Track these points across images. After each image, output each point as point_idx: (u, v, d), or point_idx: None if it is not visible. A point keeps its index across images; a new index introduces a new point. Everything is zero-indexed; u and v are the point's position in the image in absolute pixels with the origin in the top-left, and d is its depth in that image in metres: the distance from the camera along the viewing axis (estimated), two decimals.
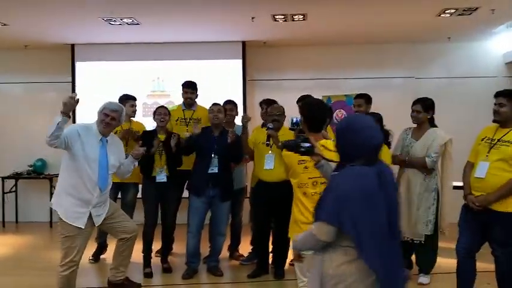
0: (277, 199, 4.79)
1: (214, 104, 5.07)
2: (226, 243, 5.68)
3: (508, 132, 3.81)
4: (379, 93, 7.28)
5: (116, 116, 4.06)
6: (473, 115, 6.94)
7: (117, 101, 5.09)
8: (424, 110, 4.64)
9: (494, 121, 3.95)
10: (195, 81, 5.78)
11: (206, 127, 5.12)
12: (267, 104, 5.38)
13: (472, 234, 3.89)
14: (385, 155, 4.49)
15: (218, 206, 4.98)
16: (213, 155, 4.87)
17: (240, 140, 5.00)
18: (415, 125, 4.79)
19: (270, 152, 4.84)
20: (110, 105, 4.09)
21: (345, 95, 7.43)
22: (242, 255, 5.74)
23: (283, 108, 4.98)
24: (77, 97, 3.76)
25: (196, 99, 5.75)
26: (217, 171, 4.87)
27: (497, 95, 3.90)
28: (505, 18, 6.34)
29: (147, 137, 5.00)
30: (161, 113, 5.11)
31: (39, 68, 8.00)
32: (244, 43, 7.54)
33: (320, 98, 7.17)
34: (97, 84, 7.58)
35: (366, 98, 5.52)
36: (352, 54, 7.79)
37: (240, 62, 7.57)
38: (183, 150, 5.06)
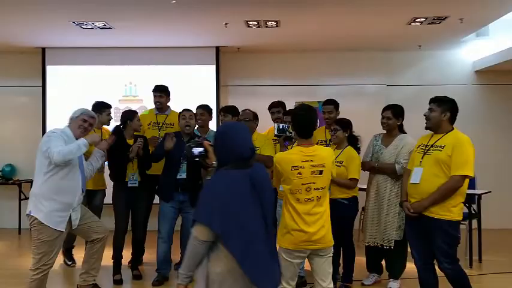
0: None
1: (186, 110, 5.03)
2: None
3: (440, 138, 3.86)
4: (351, 100, 7.39)
5: (93, 122, 4.17)
6: None
7: (92, 108, 5.10)
8: (394, 117, 4.68)
9: (426, 128, 4.00)
10: (166, 85, 5.74)
11: (175, 132, 5.06)
12: (225, 111, 5.35)
13: (421, 245, 3.90)
14: (354, 160, 4.56)
15: (188, 212, 4.92)
16: (181, 161, 4.83)
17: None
18: (385, 132, 4.83)
19: None
20: (88, 112, 4.16)
21: (318, 102, 7.48)
22: None
23: (253, 114, 5.01)
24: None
25: (168, 104, 5.69)
26: (185, 177, 4.84)
27: (430, 101, 3.97)
28: (474, 27, 6.48)
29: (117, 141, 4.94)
30: (139, 119, 5.12)
31: (9, 72, 7.87)
32: (218, 49, 7.54)
33: (293, 104, 7.34)
34: (68, 89, 7.48)
35: (336, 104, 5.54)
36: (324, 62, 7.86)
37: (213, 67, 7.55)
38: (153, 156, 5.02)
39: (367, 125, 5.22)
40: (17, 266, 5.56)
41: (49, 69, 7.57)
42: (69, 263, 5.62)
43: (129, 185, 4.92)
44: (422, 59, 7.89)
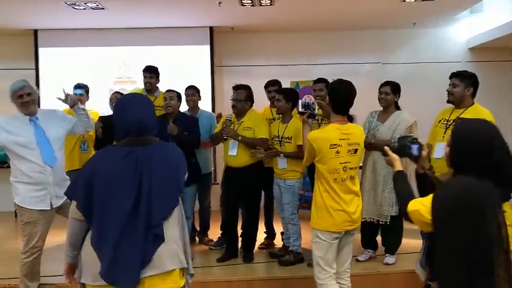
0: (244, 184, 4.83)
1: (167, 91, 5.01)
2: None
3: (462, 112, 3.90)
4: (346, 78, 7.22)
5: (30, 91, 3.94)
6: (438, 100, 6.98)
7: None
8: (392, 92, 4.69)
9: (448, 101, 4.04)
10: (157, 66, 5.73)
11: (162, 114, 5.01)
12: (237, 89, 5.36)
13: None
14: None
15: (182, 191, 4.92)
16: (170, 142, 4.78)
17: (194, 125, 4.98)
18: (380, 109, 4.84)
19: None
20: (16, 86, 3.94)
21: (313, 81, 7.47)
22: (211, 240, 5.74)
23: (246, 95, 4.96)
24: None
25: (157, 85, 5.68)
26: None
27: (451, 76, 3.99)
28: (468, 3, 6.47)
29: (107, 122, 4.94)
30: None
31: (1, 54, 7.77)
32: (211, 29, 7.50)
33: (288, 83, 7.34)
34: (62, 71, 7.41)
35: (326, 83, 5.53)
36: (319, 41, 7.84)
37: (208, 47, 7.52)
38: None
39: (362, 103, 5.15)
40: (15, 248, 5.52)
41: (42, 51, 7.50)
42: None
43: None
44: (417, 36, 7.88)
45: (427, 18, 7.19)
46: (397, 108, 4.78)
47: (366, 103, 5.17)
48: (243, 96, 4.94)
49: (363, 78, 7.69)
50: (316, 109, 4.09)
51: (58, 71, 7.44)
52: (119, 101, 2.52)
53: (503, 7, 6.72)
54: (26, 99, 3.88)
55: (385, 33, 7.80)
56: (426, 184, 2.53)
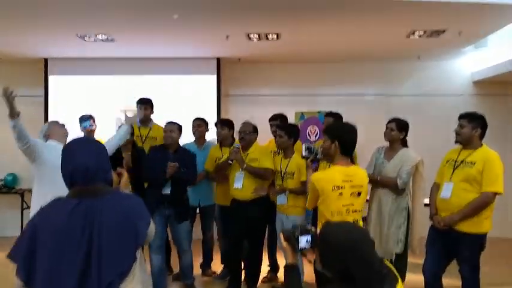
0: (249, 217, 4.87)
1: (168, 123, 5.02)
2: (198, 260, 5.77)
3: (470, 154, 3.96)
4: (351, 109, 7.43)
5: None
6: (442, 132, 7.07)
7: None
8: (398, 129, 4.72)
9: (456, 142, 4.10)
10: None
11: (160, 145, 5.08)
12: (222, 123, 5.50)
13: (438, 256, 4.04)
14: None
15: (175, 227, 4.95)
16: (166, 176, 4.78)
17: (192, 162, 4.99)
18: (387, 144, 4.86)
19: (240, 171, 4.89)
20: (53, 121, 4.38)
21: (318, 112, 7.56)
22: (215, 272, 5.76)
23: (253, 127, 5.05)
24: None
25: (151, 116, 5.77)
26: (170, 193, 4.81)
27: (460, 117, 4.06)
28: (472, 39, 6.56)
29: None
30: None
31: (12, 81, 7.73)
32: (219, 59, 7.60)
33: (293, 114, 7.42)
34: (71, 99, 7.54)
35: (336, 117, 5.60)
36: (325, 72, 7.93)
37: (214, 77, 7.62)
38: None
39: (368, 134, 5.26)
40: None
41: (51, 79, 7.62)
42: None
43: None
44: (422, 69, 7.96)
45: (431, 52, 7.28)
46: (404, 145, 4.81)
47: (371, 134, 5.28)
48: (251, 128, 5.03)
49: (368, 109, 7.81)
50: (320, 153, 4.13)
51: (67, 98, 7.57)
52: (65, 145, 2.20)
53: (507, 42, 6.79)
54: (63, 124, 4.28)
55: (390, 65, 7.89)
56: (294, 280, 2.45)
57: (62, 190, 3.83)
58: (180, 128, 5.06)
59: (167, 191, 4.80)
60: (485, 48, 7.25)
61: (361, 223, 3.54)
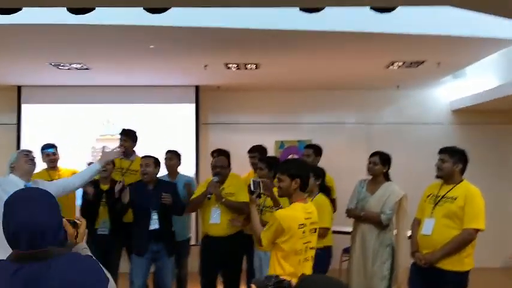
0: (226, 253, 4.73)
1: (144, 157, 4.86)
2: None
3: (451, 189, 3.89)
4: (331, 138, 7.43)
5: (34, 157, 4.03)
6: (422, 160, 7.05)
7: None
8: (381, 163, 4.63)
9: (437, 177, 4.03)
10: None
11: (139, 181, 4.89)
12: (218, 153, 5.32)
13: None
14: (325, 207, 4.40)
15: (163, 262, 4.76)
16: (151, 211, 4.64)
17: (176, 192, 4.86)
18: (370, 177, 4.78)
19: (216, 205, 4.73)
20: (24, 150, 4.12)
21: (298, 141, 7.51)
22: None
23: (227, 160, 4.94)
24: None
25: (134, 148, 5.56)
26: (158, 227, 4.65)
27: (441, 151, 4.00)
28: (451, 69, 6.60)
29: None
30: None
31: None
32: (197, 87, 7.50)
33: (273, 142, 7.35)
34: (44, 127, 7.30)
35: (315, 149, 5.53)
36: (304, 100, 7.87)
37: (193, 106, 7.50)
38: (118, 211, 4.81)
39: (348, 162, 5.22)
40: None
41: (24, 107, 7.41)
42: None
43: (99, 232, 4.78)
44: (400, 97, 7.94)
45: (410, 82, 7.29)
46: (387, 179, 4.72)
47: (351, 162, 5.24)
48: (225, 163, 4.90)
49: (348, 137, 7.77)
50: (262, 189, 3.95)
51: (40, 127, 7.33)
52: (9, 198, 1.80)
53: (485, 73, 6.83)
54: (31, 157, 3.98)
55: (369, 94, 7.85)
56: None
57: None
58: (156, 161, 4.88)
59: (155, 226, 4.64)
60: (463, 78, 7.28)
61: (310, 263, 3.37)
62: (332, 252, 4.67)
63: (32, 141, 7.23)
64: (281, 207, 3.48)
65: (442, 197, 3.91)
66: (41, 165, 5.09)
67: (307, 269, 3.26)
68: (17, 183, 3.77)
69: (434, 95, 7.93)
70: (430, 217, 3.92)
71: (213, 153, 5.43)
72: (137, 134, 5.55)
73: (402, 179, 4.86)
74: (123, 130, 5.55)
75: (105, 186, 4.90)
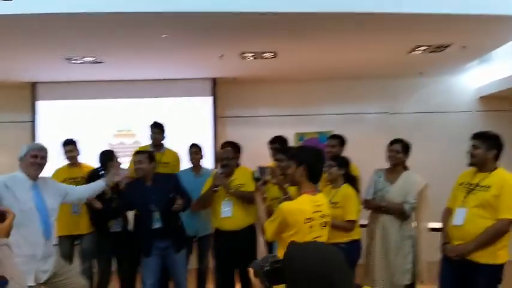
0: (240, 249, 4.54)
1: (136, 153, 4.65)
2: None
3: (485, 177, 3.64)
4: (352, 129, 7.17)
5: (45, 155, 3.85)
6: (447, 150, 6.86)
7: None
8: (404, 151, 4.42)
9: (469, 164, 3.79)
10: (158, 118, 5.63)
11: (136, 179, 4.66)
12: (223, 145, 5.17)
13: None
14: (351, 199, 4.20)
15: (172, 258, 4.57)
16: (153, 209, 4.44)
17: (179, 185, 4.67)
18: (386, 167, 4.55)
19: (226, 198, 4.54)
20: (35, 146, 3.90)
21: (318, 133, 7.28)
22: None
23: (234, 151, 4.78)
24: None
25: (163, 141, 5.47)
26: (161, 226, 4.44)
27: (473, 137, 3.76)
28: (477, 54, 6.30)
29: (96, 176, 4.71)
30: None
31: None
32: (214, 80, 7.32)
33: (293, 135, 7.13)
34: (60, 124, 7.22)
35: (340, 139, 5.32)
36: (325, 90, 7.64)
37: (210, 99, 7.33)
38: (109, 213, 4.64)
39: (370, 154, 4.96)
40: None
41: (40, 104, 7.31)
42: None
43: (112, 230, 4.62)
44: (424, 85, 7.67)
45: (434, 68, 7.00)
46: (405, 167, 4.49)
47: (373, 154, 4.96)
48: (232, 154, 4.72)
49: (370, 128, 7.52)
50: (269, 175, 3.76)
51: (56, 124, 7.25)
52: None
53: None
54: (39, 161, 3.76)
55: (392, 83, 7.59)
56: None
57: (31, 234, 3.51)
58: (150, 155, 4.66)
59: (157, 225, 4.43)
60: (489, 63, 6.97)
61: None
62: (361, 245, 4.42)
63: (47, 138, 7.17)
64: (289, 197, 3.27)
65: (476, 185, 3.66)
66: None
67: None
68: (24, 181, 3.67)
69: (460, 82, 7.63)
70: (462, 206, 3.68)
71: (222, 146, 5.29)
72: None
73: (428, 170, 4.64)
74: (155, 123, 5.52)
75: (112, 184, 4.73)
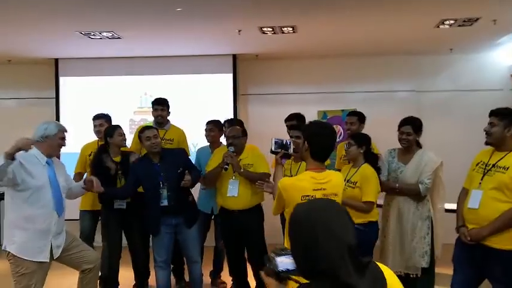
0: (246, 229, 4.45)
1: (147, 128, 4.49)
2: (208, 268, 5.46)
3: (503, 157, 3.41)
4: (378, 108, 6.97)
5: (65, 137, 3.88)
6: (478, 130, 6.52)
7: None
8: (415, 132, 4.17)
9: (486, 143, 3.56)
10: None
11: (143, 156, 4.57)
12: (230, 123, 5.05)
13: (467, 277, 3.50)
14: (370, 179, 3.99)
15: (184, 234, 4.48)
16: (161, 187, 4.32)
17: (187, 159, 4.59)
18: (399, 146, 4.34)
19: (233, 177, 4.44)
20: (63, 127, 3.86)
21: (342, 110, 7.07)
22: (224, 283, 5.37)
23: (241, 129, 4.63)
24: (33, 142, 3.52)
25: (168, 117, 5.38)
26: (168, 204, 4.32)
27: (490, 113, 3.53)
28: (508, 28, 5.94)
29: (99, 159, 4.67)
30: (121, 133, 4.74)
31: (23, 83, 7.69)
32: (235, 56, 7.20)
33: (315, 113, 6.96)
34: (82, 100, 7.27)
35: (360, 116, 5.14)
36: (349, 67, 7.42)
37: (230, 76, 7.21)
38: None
39: (397, 134, 4.72)
40: None
41: (62, 80, 7.36)
42: None
43: (116, 207, 4.59)
44: (455, 62, 7.35)
45: (465, 44, 6.69)
46: (419, 146, 4.28)
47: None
48: (240, 132, 4.58)
49: (397, 107, 7.23)
50: (291, 148, 3.62)
51: (78, 100, 7.30)
52: None
53: None
54: (64, 143, 3.83)
55: (421, 59, 7.30)
56: None
57: (44, 209, 3.53)
58: (156, 131, 4.54)
59: (165, 202, 4.33)
60: None
61: None
62: (378, 227, 4.24)
63: (70, 114, 7.23)
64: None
65: (493, 165, 3.43)
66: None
67: None
68: (39, 158, 3.66)
69: (492, 59, 7.27)
70: (478, 188, 3.47)
71: (224, 123, 5.22)
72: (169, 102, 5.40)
73: (458, 151, 4.42)
74: (157, 99, 5.37)
75: (117, 158, 4.68)
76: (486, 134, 3.50)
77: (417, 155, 4.14)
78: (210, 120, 5.29)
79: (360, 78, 7.45)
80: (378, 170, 4.12)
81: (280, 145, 3.59)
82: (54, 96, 7.38)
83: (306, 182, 2.91)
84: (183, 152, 4.64)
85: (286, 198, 2.93)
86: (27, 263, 3.56)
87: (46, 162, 3.70)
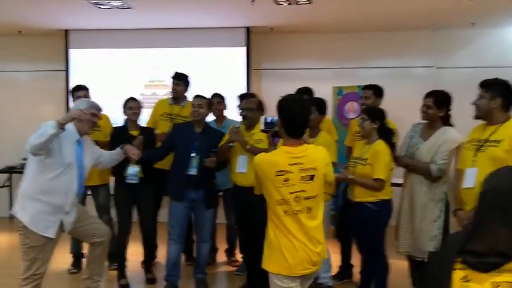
0: (256, 206, 4.28)
1: (196, 97, 4.47)
2: (223, 247, 5.45)
3: (495, 130, 3.21)
4: (396, 84, 6.76)
5: (100, 115, 3.85)
6: None
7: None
8: (436, 106, 3.84)
9: (475, 117, 3.36)
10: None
11: (186, 122, 4.58)
12: (242, 98, 4.86)
13: None
14: (380, 156, 3.84)
15: (200, 212, 4.44)
16: (192, 155, 4.29)
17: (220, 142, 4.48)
18: (425, 121, 4.09)
19: (243, 153, 4.29)
20: (96, 104, 3.79)
21: (359, 86, 6.85)
22: (237, 261, 5.27)
23: (257, 103, 4.40)
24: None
25: (186, 94, 5.21)
26: (196, 173, 4.28)
27: (479, 85, 3.32)
28: None
29: (119, 134, 4.56)
30: (132, 107, 4.61)
31: (34, 55, 7.59)
32: (248, 29, 6.99)
33: (331, 89, 6.76)
34: (92, 73, 7.13)
35: (375, 90, 4.90)
36: (366, 42, 7.18)
37: (244, 49, 7.02)
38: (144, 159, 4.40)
39: (415, 112, 4.48)
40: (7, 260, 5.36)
41: (72, 52, 7.24)
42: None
43: (127, 181, 4.49)
44: (476, 38, 7.08)
45: (487, 18, 6.41)
46: (446, 123, 3.95)
47: (417, 112, 4.49)
48: (254, 105, 4.38)
49: (415, 83, 7.01)
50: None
51: (88, 73, 7.16)
52: None
53: None
54: (96, 120, 3.79)
55: (440, 34, 7.04)
56: None
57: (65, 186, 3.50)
58: (209, 102, 4.55)
59: (193, 171, 4.29)
60: None
61: (321, 211, 2.87)
62: (391, 206, 4.04)
63: None
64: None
65: (485, 141, 3.22)
66: None
67: (301, 222, 2.76)
68: (72, 135, 3.60)
69: None
70: (472, 166, 3.25)
71: (239, 97, 5.00)
72: (189, 78, 5.24)
73: None
74: (176, 73, 5.21)
75: (135, 132, 4.57)
76: (475, 106, 3.30)
77: (438, 132, 3.86)
78: (215, 93, 5.20)
79: (377, 53, 7.23)
80: (392, 145, 3.92)
81: (269, 124, 3.50)
82: (65, 69, 7.26)
83: (280, 157, 2.78)
84: (222, 136, 4.52)
85: (260, 174, 2.82)
86: (36, 237, 3.49)
87: (77, 140, 3.63)
